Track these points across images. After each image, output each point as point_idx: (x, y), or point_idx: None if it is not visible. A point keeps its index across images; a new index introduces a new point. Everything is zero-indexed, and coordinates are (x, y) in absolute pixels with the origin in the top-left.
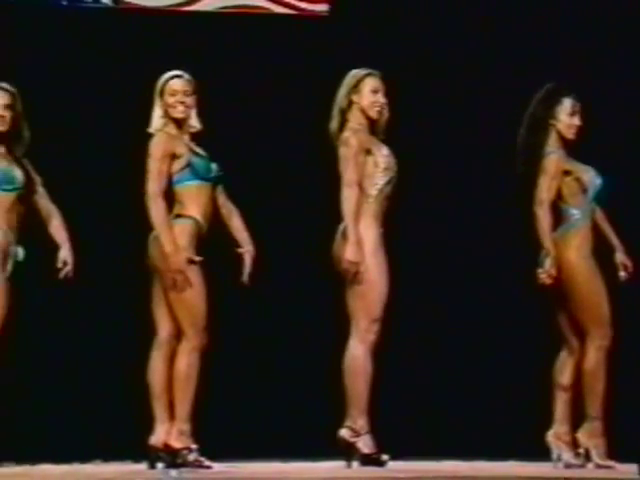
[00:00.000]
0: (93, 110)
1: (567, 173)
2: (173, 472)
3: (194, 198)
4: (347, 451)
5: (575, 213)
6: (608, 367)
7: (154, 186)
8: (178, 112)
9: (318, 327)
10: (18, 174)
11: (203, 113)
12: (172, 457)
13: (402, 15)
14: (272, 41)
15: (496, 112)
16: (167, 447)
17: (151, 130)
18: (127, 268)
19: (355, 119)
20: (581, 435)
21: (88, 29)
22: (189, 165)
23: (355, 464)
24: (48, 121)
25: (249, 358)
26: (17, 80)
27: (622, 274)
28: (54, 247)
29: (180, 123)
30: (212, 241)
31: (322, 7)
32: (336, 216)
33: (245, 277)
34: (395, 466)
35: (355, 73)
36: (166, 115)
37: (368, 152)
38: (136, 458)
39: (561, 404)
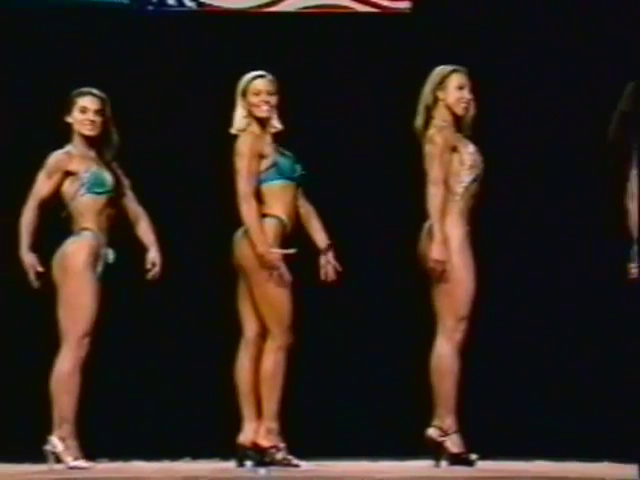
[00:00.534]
0: (179, 112)
1: None
2: (262, 470)
3: (279, 197)
4: (435, 450)
5: None
6: None
7: (245, 185)
8: (262, 111)
9: (405, 326)
10: (108, 177)
11: (286, 114)
12: (260, 455)
13: (485, 10)
14: (354, 40)
15: (581, 107)
16: (255, 445)
17: (234, 130)
18: (213, 268)
19: (440, 116)
20: None
21: (173, 33)
22: (275, 165)
23: (444, 463)
24: (135, 125)
25: (337, 357)
26: (106, 85)
27: None
28: (142, 249)
29: (263, 123)
30: (296, 240)
31: (405, 4)
32: (421, 214)
33: (323, 277)
34: (484, 466)
35: (440, 70)
36: (249, 115)
37: (454, 149)
38: (225, 456)
39: None
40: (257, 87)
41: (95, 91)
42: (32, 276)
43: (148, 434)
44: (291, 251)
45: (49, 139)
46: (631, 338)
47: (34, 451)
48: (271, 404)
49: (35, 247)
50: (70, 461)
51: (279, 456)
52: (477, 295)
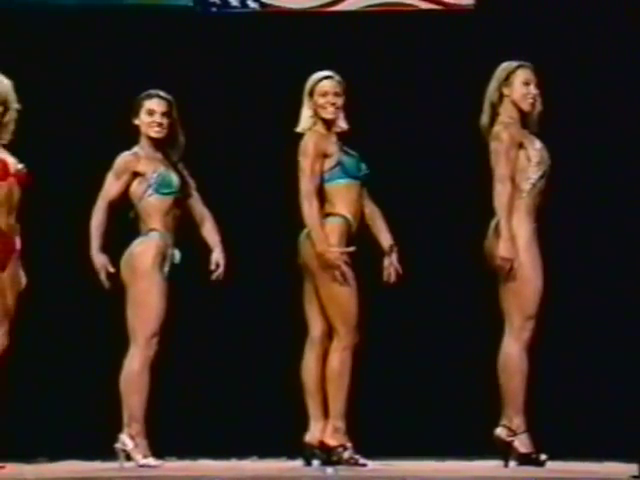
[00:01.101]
0: (243, 113)
1: None
2: (329, 469)
3: (344, 197)
4: (504, 450)
5: None
6: None
7: (308, 184)
8: (328, 113)
9: (473, 325)
10: (174, 178)
11: (350, 113)
12: (327, 454)
13: (549, 4)
14: (418, 37)
15: None
16: (322, 444)
17: (299, 130)
18: (280, 268)
19: (506, 112)
20: None
21: (237, 34)
22: (339, 164)
23: (512, 464)
24: (201, 126)
25: (403, 356)
26: (171, 87)
27: None
28: (207, 249)
29: (329, 124)
30: (361, 239)
31: (468, 1)
32: (488, 212)
33: (386, 278)
34: (554, 466)
35: (506, 66)
36: (316, 115)
37: (520, 146)
38: (291, 455)
39: None
40: (324, 88)
41: (162, 93)
42: (103, 277)
43: (215, 433)
44: (350, 249)
45: (118, 141)
46: None
47: (105, 449)
48: (337, 403)
49: (104, 248)
50: (140, 459)
51: (346, 455)
52: (545, 293)
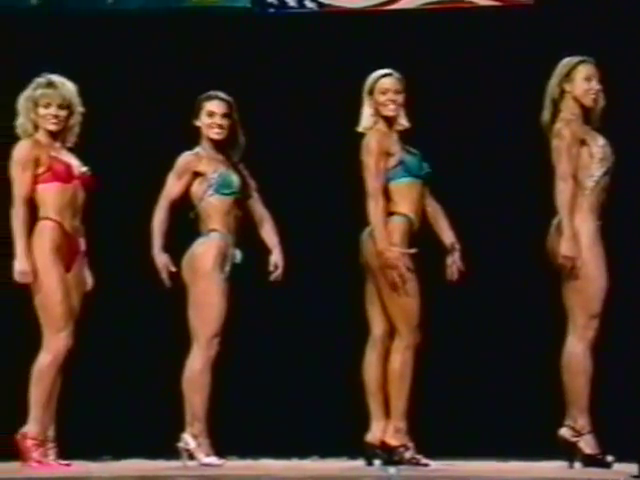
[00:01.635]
0: (303, 112)
1: None
2: (391, 469)
3: (406, 195)
4: (569, 451)
5: None
6: None
7: (374, 182)
8: (389, 110)
9: (536, 324)
10: (235, 179)
11: (410, 111)
12: (389, 454)
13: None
14: (476, 34)
15: None
16: (383, 444)
17: (360, 129)
18: (341, 267)
19: (568, 109)
20: None
21: (295, 35)
22: (401, 162)
23: (577, 465)
24: (261, 125)
25: (465, 356)
26: (230, 88)
27: None
28: (266, 250)
29: (390, 121)
30: (423, 238)
31: None
32: (550, 210)
33: (449, 276)
34: (622, 468)
35: (567, 61)
36: (377, 113)
37: (582, 143)
38: (352, 455)
39: None
40: (384, 86)
41: (222, 95)
42: (165, 276)
43: (277, 432)
44: (411, 251)
45: (180, 142)
46: None
47: (168, 448)
48: (399, 403)
49: (165, 248)
50: (202, 458)
51: (407, 455)
52: (609, 292)
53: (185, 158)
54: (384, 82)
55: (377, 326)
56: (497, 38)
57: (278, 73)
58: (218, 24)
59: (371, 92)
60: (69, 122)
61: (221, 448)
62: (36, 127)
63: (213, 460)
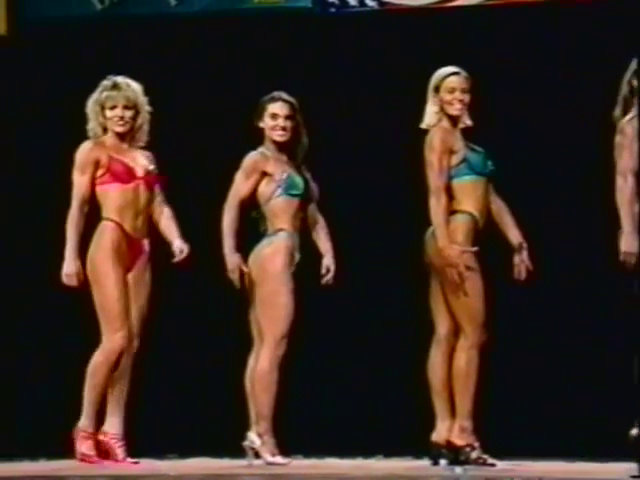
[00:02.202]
0: (364, 111)
1: None
2: (458, 469)
3: (470, 193)
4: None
5: None
6: None
7: (437, 180)
8: (455, 109)
9: (601, 323)
10: (299, 180)
11: (474, 108)
12: (454, 454)
13: None
14: (542, 29)
15: None
16: (449, 444)
17: (424, 126)
18: (406, 265)
19: (635, 106)
20: None
21: (356, 33)
22: (465, 160)
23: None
24: (324, 126)
25: (532, 355)
26: (293, 89)
27: None
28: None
29: (455, 120)
30: (488, 236)
31: None
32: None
33: (517, 275)
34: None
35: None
36: (441, 111)
37: None
38: (417, 454)
39: None
40: (451, 84)
41: (285, 96)
42: (236, 277)
43: (342, 431)
44: (472, 249)
45: (243, 143)
46: None
47: (233, 446)
48: (464, 402)
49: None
50: (268, 457)
51: (474, 455)
52: None
53: (253, 158)
54: (451, 81)
55: (442, 325)
56: (564, 33)
57: (340, 73)
58: (279, 24)
59: (437, 90)
60: (136, 122)
61: (286, 447)
62: (105, 130)
63: (278, 459)
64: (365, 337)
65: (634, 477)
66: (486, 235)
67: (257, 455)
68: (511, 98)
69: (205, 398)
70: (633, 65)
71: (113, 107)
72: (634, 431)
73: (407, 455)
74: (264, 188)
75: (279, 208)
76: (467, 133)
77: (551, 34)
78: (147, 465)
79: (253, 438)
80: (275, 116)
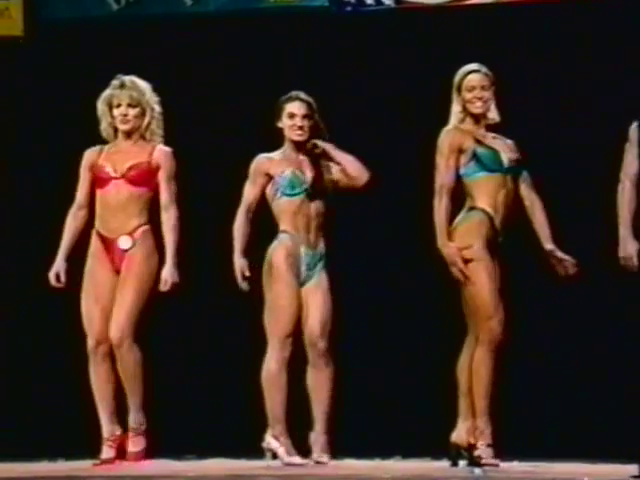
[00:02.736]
0: (382, 110)
1: None
2: (477, 470)
3: (483, 190)
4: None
5: None
6: None
7: (440, 180)
8: (476, 107)
9: (625, 325)
10: (299, 180)
11: (501, 104)
12: (472, 454)
13: None
14: (557, 26)
15: None
16: (469, 445)
17: (450, 127)
18: (435, 265)
19: None
20: None
21: (373, 32)
22: (475, 158)
23: None
24: (342, 124)
25: (550, 357)
26: (309, 87)
27: None
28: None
29: (478, 118)
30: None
31: None
32: None
33: (562, 272)
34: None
35: None
36: (464, 110)
37: None
38: (435, 455)
39: None
40: (471, 83)
41: (302, 95)
42: (240, 280)
43: (359, 432)
44: (468, 246)
45: (258, 143)
46: None
47: (251, 447)
48: (477, 401)
49: (247, 251)
50: (285, 457)
51: (476, 453)
52: None
53: (256, 161)
54: (471, 79)
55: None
56: (585, 29)
57: (356, 72)
58: (295, 24)
59: (459, 89)
60: (143, 121)
61: (304, 448)
62: (116, 130)
63: (296, 459)
64: (383, 337)
65: (635, 477)
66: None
67: (275, 456)
68: (526, 96)
69: (223, 399)
70: None
71: (118, 105)
72: None
73: (425, 456)
74: (269, 191)
75: (280, 209)
76: (496, 129)
77: (566, 30)
78: (165, 466)
79: (269, 440)
80: (293, 116)
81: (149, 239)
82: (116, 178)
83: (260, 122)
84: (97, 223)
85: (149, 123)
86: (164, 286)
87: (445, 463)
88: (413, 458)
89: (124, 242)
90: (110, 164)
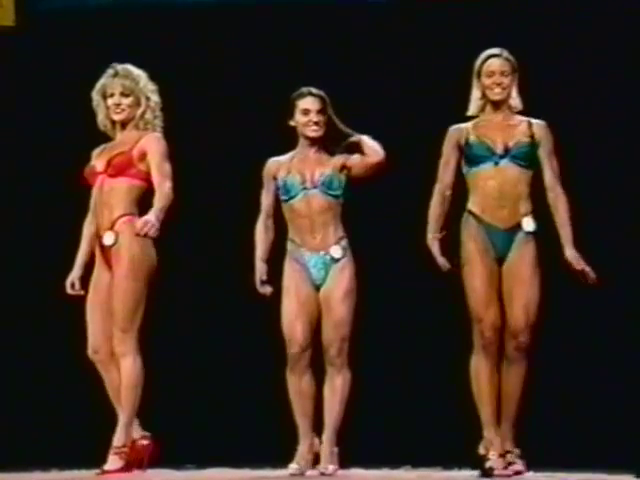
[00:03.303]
0: (398, 102)
1: None
2: None
3: (471, 187)
4: None
5: None
6: None
7: (439, 176)
8: (495, 94)
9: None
10: (295, 182)
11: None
12: (485, 467)
13: None
14: (572, 14)
15: None
16: (481, 457)
17: (470, 113)
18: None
19: None
20: None
21: (388, 22)
22: (470, 152)
23: None
24: (359, 119)
25: (575, 365)
26: (322, 81)
27: None
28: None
29: (497, 105)
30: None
31: None
32: None
33: (581, 279)
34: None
35: None
36: (484, 97)
37: None
38: (446, 464)
39: None
40: (490, 68)
41: (314, 91)
42: (258, 286)
43: (366, 442)
44: (439, 235)
45: (259, 137)
46: None
47: (253, 456)
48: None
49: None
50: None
51: (512, 459)
52: None
53: (266, 166)
54: (490, 64)
55: None
56: (600, 16)
57: (372, 64)
58: (303, 14)
59: (479, 75)
60: (137, 110)
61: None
62: (113, 121)
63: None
64: (394, 347)
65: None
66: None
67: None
68: (543, 85)
69: (223, 407)
70: None
71: (111, 95)
72: None
73: (436, 465)
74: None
75: (285, 215)
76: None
77: (600, 16)
78: (164, 475)
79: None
80: (307, 112)
81: (132, 229)
82: (100, 173)
83: (261, 115)
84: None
85: (143, 112)
86: (140, 229)
87: (455, 472)
88: (423, 468)
89: (107, 238)
90: (99, 160)
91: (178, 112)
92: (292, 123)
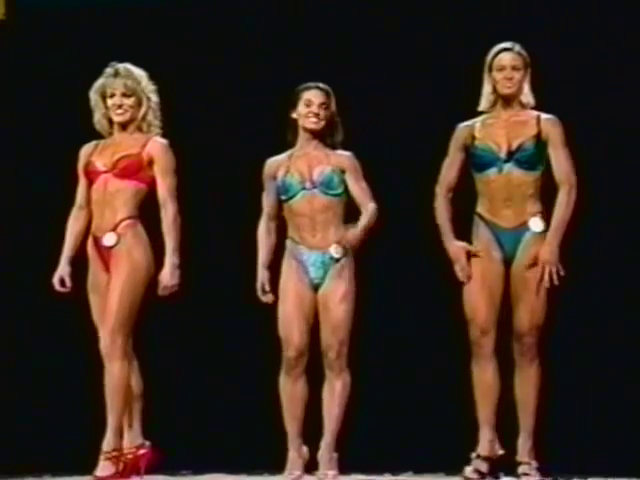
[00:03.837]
0: (413, 96)
1: None
2: None
3: (479, 190)
4: None
5: None
6: None
7: (442, 177)
8: (505, 88)
9: None
10: (294, 181)
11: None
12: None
13: None
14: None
15: None
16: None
17: (481, 108)
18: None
19: None
20: None
21: (400, 13)
22: (472, 154)
23: None
24: (365, 117)
25: (592, 367)
26: (330, 77)
27: None
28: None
29: (508, 100)
30: None
31: None
32: None
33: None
34: None
35: None
36: (495, 92)
37: None
38: (448, 470)
39: None
40: (501, 62)
41: (320, 84)
42: (259, 292)
43: (369, 448)
44: (472, 247)
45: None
46: None
47: (249, 462)
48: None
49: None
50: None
51: (525, 470)
52: None
53: (265, 166)
54: (501, 58)
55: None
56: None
57: (386, 55)
58: (305, 4)
59: (490, 69)
60: (139, 111)
61: (312, 464)
62: (110, 121)
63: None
64: (395, 350)
65: None
66: None
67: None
68: (558, 81)
69: (219, 414)
70: None
71: (112, 95)
72: None
73: (439, 471)
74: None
75: (286, 213)
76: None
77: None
78: None
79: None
80: (309, 103)
81: (134, 233)
82: (105, 172)
83: (261, 115)
84: (92, 224)
85: (145, 113)
86: (162, 290)
87: (458, 479)
88: (426, 474)
89: (108, 239)
90: (101, 159)
91: (176, 112)
92: (294, 115)
